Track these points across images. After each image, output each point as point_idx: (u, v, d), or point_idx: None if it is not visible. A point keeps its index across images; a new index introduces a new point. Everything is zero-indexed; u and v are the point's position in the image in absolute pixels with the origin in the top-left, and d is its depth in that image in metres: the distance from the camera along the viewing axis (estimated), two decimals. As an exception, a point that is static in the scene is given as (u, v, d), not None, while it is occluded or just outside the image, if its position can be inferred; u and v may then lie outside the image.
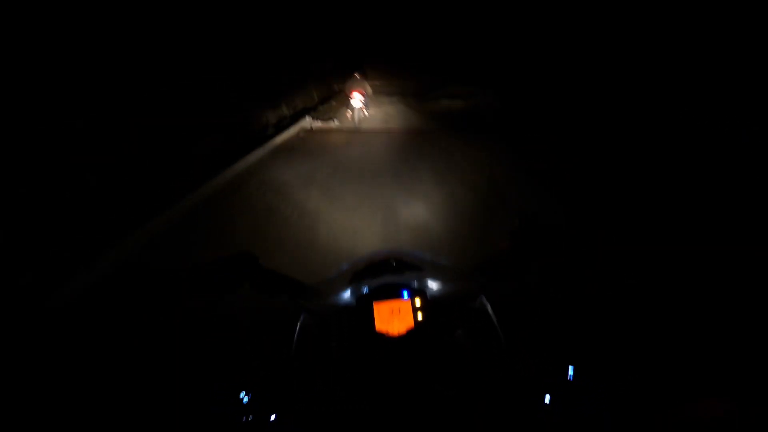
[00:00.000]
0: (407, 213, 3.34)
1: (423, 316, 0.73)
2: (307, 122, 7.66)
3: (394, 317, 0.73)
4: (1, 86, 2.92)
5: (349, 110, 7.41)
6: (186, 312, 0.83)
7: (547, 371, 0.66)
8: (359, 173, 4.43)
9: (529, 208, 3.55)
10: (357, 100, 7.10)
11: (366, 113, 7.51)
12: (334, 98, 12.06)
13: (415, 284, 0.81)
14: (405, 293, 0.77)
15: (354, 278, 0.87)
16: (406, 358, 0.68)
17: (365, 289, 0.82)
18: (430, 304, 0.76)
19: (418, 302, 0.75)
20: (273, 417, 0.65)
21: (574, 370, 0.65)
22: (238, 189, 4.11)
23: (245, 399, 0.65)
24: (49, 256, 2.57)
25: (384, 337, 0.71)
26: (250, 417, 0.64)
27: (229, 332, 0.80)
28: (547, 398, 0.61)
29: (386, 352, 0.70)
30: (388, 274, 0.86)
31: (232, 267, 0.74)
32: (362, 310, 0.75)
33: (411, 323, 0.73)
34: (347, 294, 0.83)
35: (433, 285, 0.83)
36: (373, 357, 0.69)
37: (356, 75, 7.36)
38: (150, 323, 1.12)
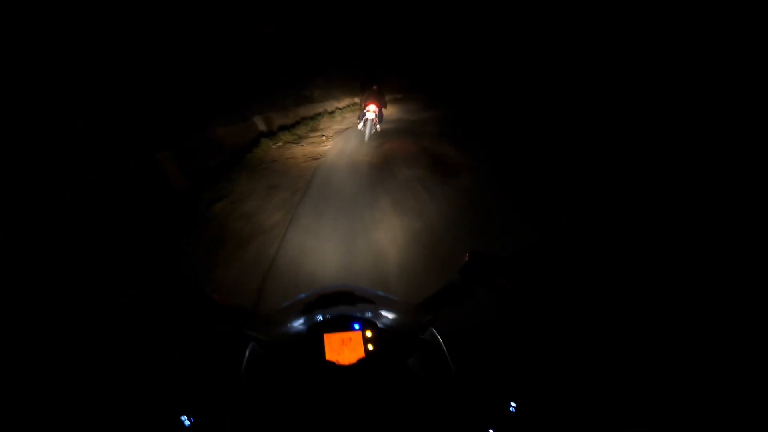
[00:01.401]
0: (369, 241, 3.13)
1: (374, 347, 0.75)
2: (279, 138, 7.44)
3: (345, 347, 0.75)
4: (1, 86, 2.92)
5: (361, 122, 7.27)
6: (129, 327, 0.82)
7: (491, 405, 0.67)
8: (325, 198, 4.24)
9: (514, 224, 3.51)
10: (371, 112, 6.95)
11: (378, 127, 7.35)
12: (323, 114, 11.70)
13: (367, 316, 0.83)
14: (356, 325, 0.78)
15: (306, 309, 0.89)
16: (356, 386, 0.69)
17: (317, 320, 0.83)
18: (381, 335, 0.77)
19: (368, 333, 0.76)
20: None
21: (517, 406, 0.66)
22: (197, 202, 3.97)
23: (186, 422, 0.64)
24: (49, 256, 2.57)
25: (334, 366, 0.72)
26: None
27: (173, 354, 0.80)
28: None
29: (336, 380, 0.70)
30: (340, 306, 0.89)
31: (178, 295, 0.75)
32: (312, 339, 0.76)
33: (362, 353, 0.74)
34: (298, 325, 0.85)
35: (384, 317, 0.86)
36: (323, 385, 0.70)
37: (374, 87, 7.16)
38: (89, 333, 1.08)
